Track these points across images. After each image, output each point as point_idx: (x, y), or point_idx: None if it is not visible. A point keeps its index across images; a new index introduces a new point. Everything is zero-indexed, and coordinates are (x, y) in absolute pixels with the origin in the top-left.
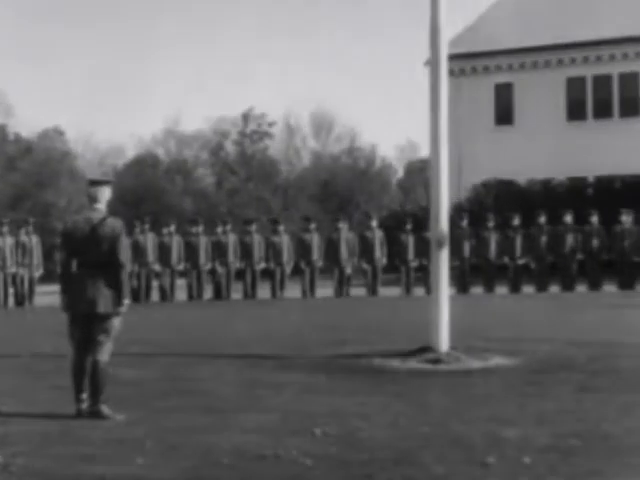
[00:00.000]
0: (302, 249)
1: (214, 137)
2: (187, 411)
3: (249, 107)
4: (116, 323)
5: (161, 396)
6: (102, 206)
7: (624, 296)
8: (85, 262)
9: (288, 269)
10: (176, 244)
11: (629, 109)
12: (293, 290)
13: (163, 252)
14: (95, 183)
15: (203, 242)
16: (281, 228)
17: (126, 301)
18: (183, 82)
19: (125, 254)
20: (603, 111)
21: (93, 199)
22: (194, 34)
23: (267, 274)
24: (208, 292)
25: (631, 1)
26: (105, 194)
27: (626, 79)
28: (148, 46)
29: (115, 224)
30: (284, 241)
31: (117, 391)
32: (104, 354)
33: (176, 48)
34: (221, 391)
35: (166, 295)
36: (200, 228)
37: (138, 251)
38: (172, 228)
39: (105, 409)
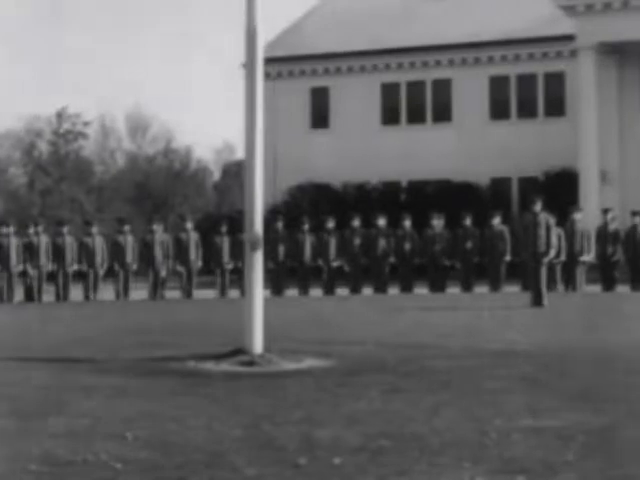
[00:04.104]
0: (116, 251)
1: (27, 136)
2: None
3: (63, 106)
4: None
5: None
6: None
7: (434, 298)
8: None
9: (101, 271)
10: None
11: (442, 115)
12: (106, 292)
13: None
14: None
15: (14, 243)
16: (94, 230)
17: None
18: None
19: None
20: (416, 116)
21: None
22: (3, 31)
23: (80, 276)
24: (19, 294)
25: (445, 9)
26: None
27: (439, 85)
28: None
29: None
30: (97, 243)
31: None
32: None
33: None
34: (30, 396)
35: None
36: (11, 229)
37: None
38: None
39: None
